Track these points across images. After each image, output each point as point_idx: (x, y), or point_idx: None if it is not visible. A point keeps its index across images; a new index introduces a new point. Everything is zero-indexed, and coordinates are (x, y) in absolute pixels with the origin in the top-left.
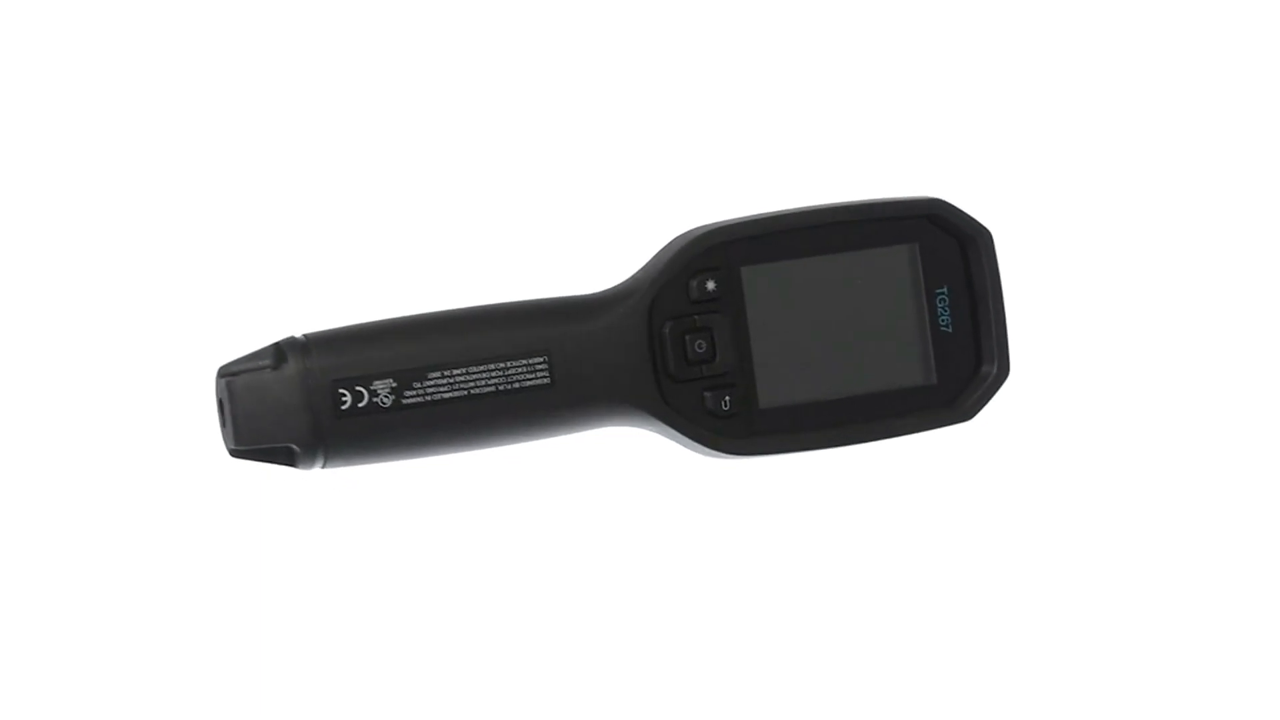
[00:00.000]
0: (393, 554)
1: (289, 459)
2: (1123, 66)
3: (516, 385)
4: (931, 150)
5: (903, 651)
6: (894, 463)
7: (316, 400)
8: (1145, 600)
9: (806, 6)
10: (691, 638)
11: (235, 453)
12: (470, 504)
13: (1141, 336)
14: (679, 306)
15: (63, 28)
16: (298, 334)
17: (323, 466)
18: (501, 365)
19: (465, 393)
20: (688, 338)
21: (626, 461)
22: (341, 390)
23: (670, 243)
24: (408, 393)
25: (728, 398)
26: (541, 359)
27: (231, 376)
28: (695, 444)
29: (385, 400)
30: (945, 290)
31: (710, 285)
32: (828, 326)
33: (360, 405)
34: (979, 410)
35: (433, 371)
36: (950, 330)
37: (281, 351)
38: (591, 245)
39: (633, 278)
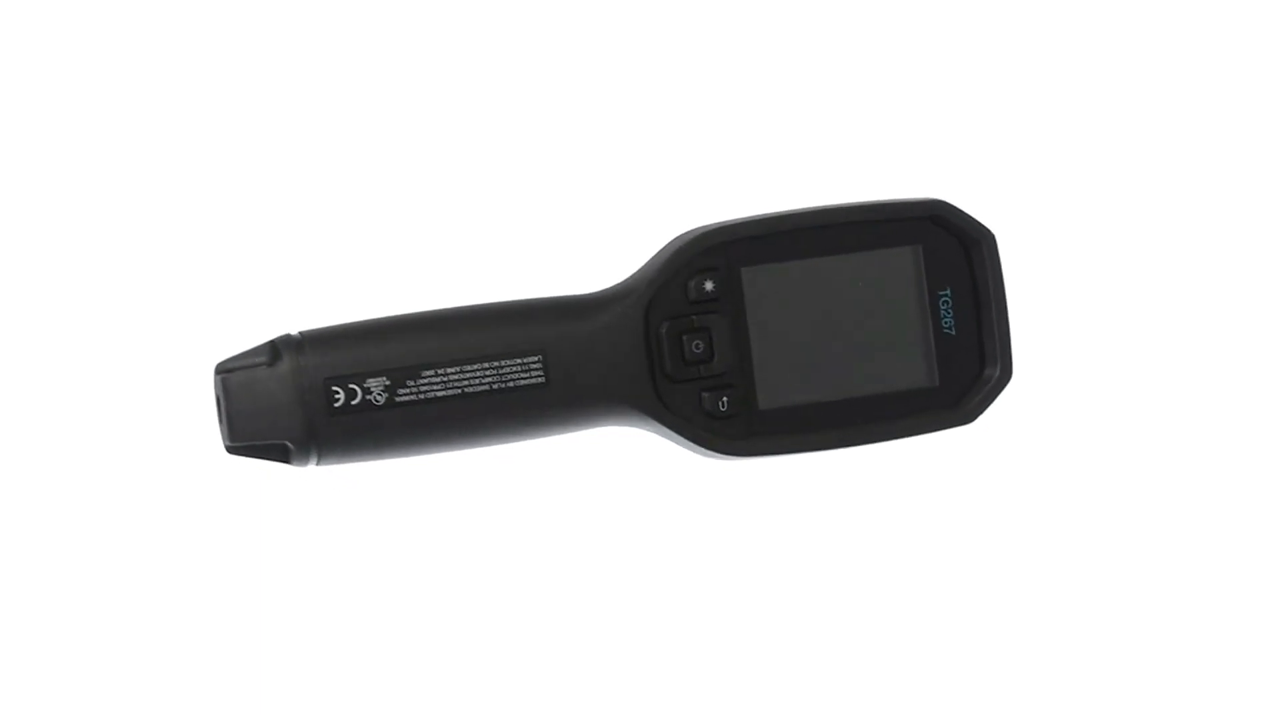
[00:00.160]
0: (388, 552)
1: (283, 456)
2: (1125, 69)
3: (511, 384)
4: (935, 151)
5: (904, 654)
6: (896, 465)
7: (310, 398)
8: (1147, 602)
9: (808, 7)
10: (690, 639)
11: (231, 449)
12: (466, 503)
13: (1145, 339)
14: (677, 306)
15: (62, 28)
16: (294, 331)
17: (317, 464)
18: (495, 364)
19: (459, 391)
20: (685, 338)
21: (624, 462)
22: (335, 388)
23: (669, 243)
24: (401, 391)
25: (725, 398)
26: (536, 358)
27: (227, 373)
28: (692, 444)
29: (379, 398)
30: (948, 292)
31: (709, 286)
32: (829, 328)
33: (354, 403)
34: (981, 413)
35: (426, 370)
36: (953, 332)
37: (276, 349)
38: (590, 245)
39: (631, 277)
